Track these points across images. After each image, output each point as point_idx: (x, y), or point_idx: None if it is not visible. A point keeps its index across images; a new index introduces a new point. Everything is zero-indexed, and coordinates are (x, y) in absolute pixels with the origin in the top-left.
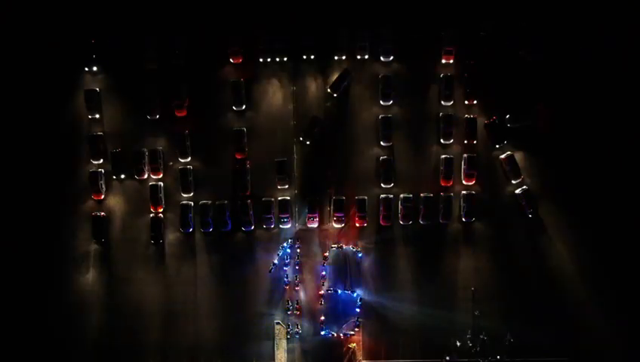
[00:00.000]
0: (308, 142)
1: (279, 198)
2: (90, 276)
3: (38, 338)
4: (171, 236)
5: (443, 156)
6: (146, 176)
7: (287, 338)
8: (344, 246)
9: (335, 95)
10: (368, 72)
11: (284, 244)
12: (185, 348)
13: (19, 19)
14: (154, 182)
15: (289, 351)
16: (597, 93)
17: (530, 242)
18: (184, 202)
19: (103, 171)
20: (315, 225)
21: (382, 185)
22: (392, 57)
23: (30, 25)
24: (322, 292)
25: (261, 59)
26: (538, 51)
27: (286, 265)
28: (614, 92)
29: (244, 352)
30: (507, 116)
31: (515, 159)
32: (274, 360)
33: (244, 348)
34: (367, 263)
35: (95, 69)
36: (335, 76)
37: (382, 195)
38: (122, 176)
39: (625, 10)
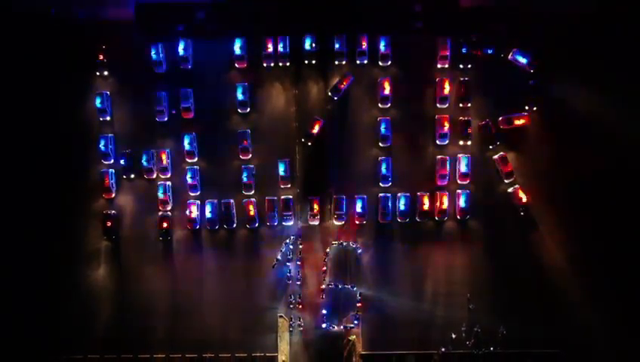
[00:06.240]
0: (309, 143)
1: (282, 197)
2: (101, 271)
3: (51, 331)
4: (179, 233)
5: (439, 157)
6: (154, 176)
7: (290, 331)
8: (344, 243)
9: (335, 98)
10: (367, 76)
11: (287, 241)
12: (191, 340)
13: (33, 27)
14: (162, 182)
15: (291, 343)
16: (591, 93)
17: (522, 238)
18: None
19: (113, 171)
20: (317, 222)
21: (380, 184)
22: (389, 62)
23: (44, 30)
24: (323, 286)
25: (265, 64)
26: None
27: (289, 261)
28: (609, 92)
29: (249, 344)
30: (500, 118)
31: (507, 159)
32: (277, 351)
33: (248, 340)
34: (366, 259)
35: (106, 73)
36: (336, 80)
37: (380, 194)
38: (132, 176)
39: (620, 10)
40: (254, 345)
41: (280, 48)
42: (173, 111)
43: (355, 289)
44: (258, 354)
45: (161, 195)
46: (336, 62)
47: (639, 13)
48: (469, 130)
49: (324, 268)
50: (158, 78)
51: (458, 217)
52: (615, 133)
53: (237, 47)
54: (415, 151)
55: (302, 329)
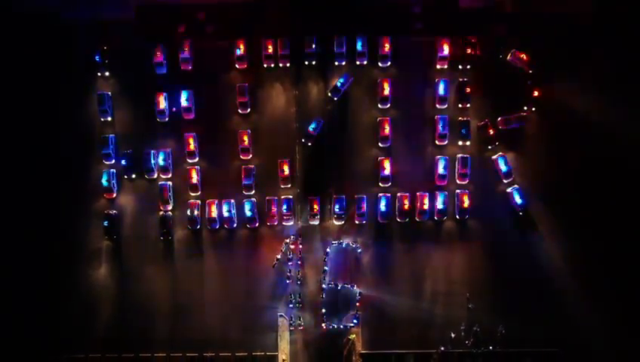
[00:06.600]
0: (309, 143)
1: (282, 197)
2: (101, 271)
3: (51, 331)
4: (180, 233)
5: (438, 157)
6: (155, 176)
7: (290, 330)
8: (344, 243)
9: (335, 98)
10: (367, 77)
11: (287, 241)
12: (192, 339)
13: (34, 27)
14: (163, 182)
15: (291, 342)
16: (591, 93)
17: (521, 238)
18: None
19: (114, 171)
20: (317, 222)
21: (380, 184)
22: (389, 63)
23: (44, 31)
24: (323, 286)
25: (265, 65)
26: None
27: (289, 261)
28: (609, 92)
29: (249, 343)
30: (498, 119)
31: (506, 159)
32: (277, 350)
33: (248, 339)
34: (366, 259)
35: (107, 73)
36: (335, 80)
37: (380, 194)
38: (133, 176)
39: (620, 10)
40: (255, 344)
41: (280, 49)
42: (174, 109)
43: (354, 288)
44: (258, 353)
45: (161, 195)
46: (336, 63)
47: (639, 13)
48: (468, 131)
49: (324, 267)
50: (159, 78)
51: (457, 217)
52: (615, 133)
53: (237, 48)
54: (414, 151)
55: (302, 329)
